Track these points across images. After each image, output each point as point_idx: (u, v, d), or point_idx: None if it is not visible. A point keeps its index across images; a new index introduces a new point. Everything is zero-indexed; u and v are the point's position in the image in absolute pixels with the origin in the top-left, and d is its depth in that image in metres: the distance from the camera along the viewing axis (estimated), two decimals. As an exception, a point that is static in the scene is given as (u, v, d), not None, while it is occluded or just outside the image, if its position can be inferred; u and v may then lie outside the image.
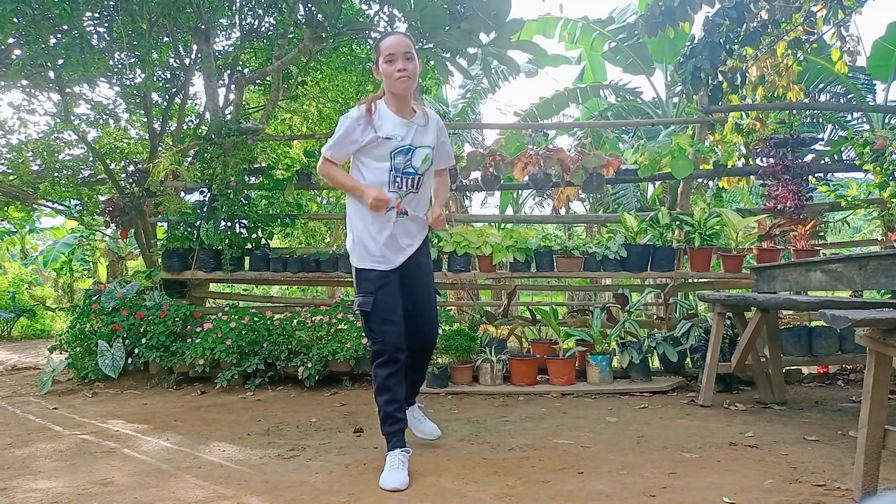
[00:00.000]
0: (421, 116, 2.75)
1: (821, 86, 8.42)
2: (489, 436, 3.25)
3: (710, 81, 5.50)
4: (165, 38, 6.66)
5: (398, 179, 2.67)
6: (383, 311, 2.66)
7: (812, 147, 5.52)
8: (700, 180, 6.89)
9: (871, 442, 2.18)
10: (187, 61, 6.87)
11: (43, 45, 5.29)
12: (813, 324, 4.89)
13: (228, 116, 6.36)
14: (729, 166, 5.45)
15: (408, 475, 2.51)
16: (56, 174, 6.83)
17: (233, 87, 6.97)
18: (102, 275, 12.72)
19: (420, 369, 3.02)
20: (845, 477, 2.44)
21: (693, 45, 5.55)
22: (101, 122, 6.99)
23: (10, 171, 6.87)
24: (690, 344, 4.63)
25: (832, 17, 5.21)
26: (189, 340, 4.96)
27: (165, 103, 7.18)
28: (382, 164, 2.66)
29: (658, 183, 8.71)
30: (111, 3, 5.72)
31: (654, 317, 5.96)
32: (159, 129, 7.00)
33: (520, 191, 12.28)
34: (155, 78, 6.89)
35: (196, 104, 8.17)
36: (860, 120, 8.55)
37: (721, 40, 5.35)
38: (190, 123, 7.69)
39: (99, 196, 7.26)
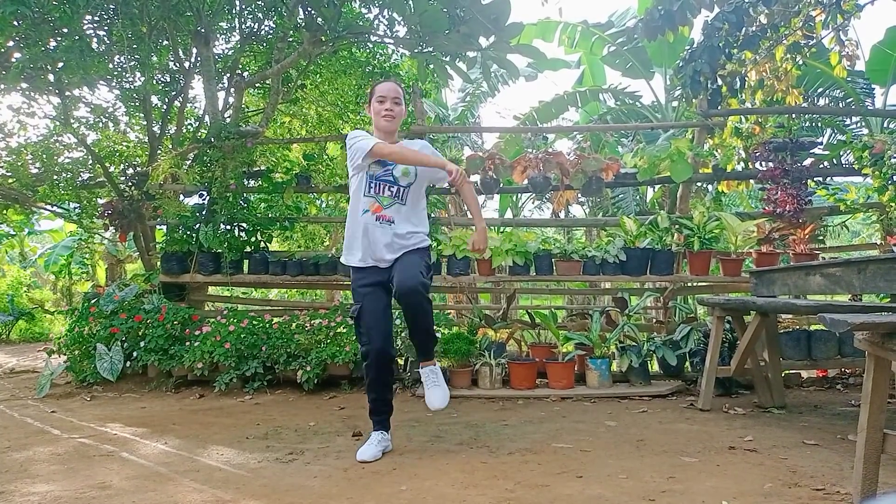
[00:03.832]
0: (405, 141, 3.17)
1: (820, 90, 8.43)
2: (488, 439, 3.24)
3: (709, 85, 5.51)
4: (165, 42, 6.66)
5: (373, 185, 2.98)
6: (368, 318, 2.96)
7: (811, 151, 5.53)
8: (699, 184, 6.89)
9: (870, 446, 2.17)
10: (187, 65, 6.87)
11: (43, 48, 5.29)
12: (812, 328, 4.89)
13: (228, 120, 6.37)
14: (728, 170, 5.45)
15: (381, 452, 2.94)
16: (55, 177, 6.82)
17: (232, 90, 6.98)
18: (101, 278, 12.72)
19: (417, 329, 3.02)
20: (844, 481, 2.44)
21: (692, 49, 5.56)
22: (100, 125, 6.99)
23: (9, 173, 6.85)
24: (690, 348, 4.63)
25: (831, 22, 5.21)
26: (188, 344, 4.95)
27: (165, 106, 7.18)
28: (361, 173, 3.01)
29: (657, 187, 8.73)
30: (111, 6, 5.72)
31: (654, 320, 5.95)
32: (158, 132, 7.00)
33: (519, 194, 12.31)
34: (154, 81, 6.88)
35: (195, 107, 8.18)
36: (859, 124, 8.56)
37: (720, 44, 5.36)
38: (189, 126, 7.68)
39: (98, 199, 7.25)
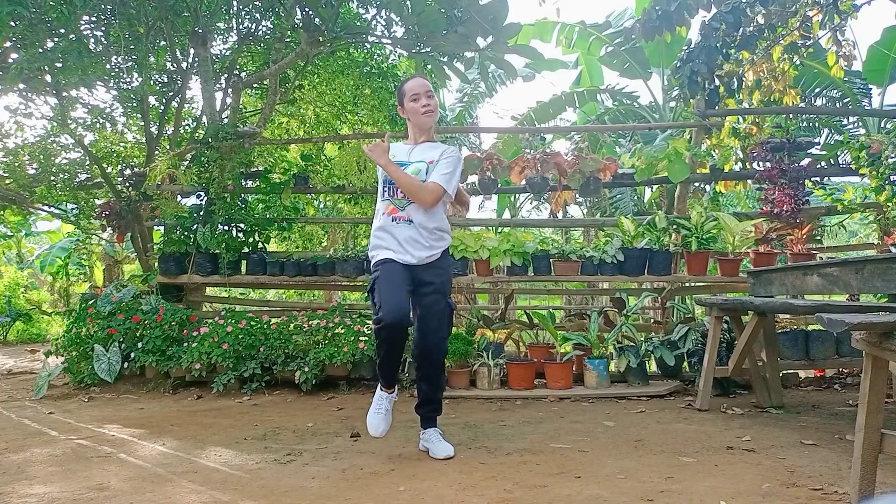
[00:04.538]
0: (432, 143, 3.07)
1: (817, 90, 8.44)
2: (487, 440, 3.24)
3: (706, 85, 5.51)
4: (163, 42, 6.65)
5: (387, 189, 3.02)
6: (382, 284, 2.88)
7: (808, 151, 5.53)
8: (697, 184, 6.89)
9: (867, 446, 2.18)
10: (184, 65, 6.86)
11: (40, 49, 5.28)
12: (810, 328, 4.90)
13: (225, 120, 6.36)
14: (726, 170, 5.46)
15: (388, 424, 2.98)
16: (52, 178, 6.81)
17: (230, 90, 6.97)
18: (99, 279, 12.68)
19: (427, 379, 3.02)
20: (842, 481, 2.44)
21: (690, 49, 5.56)
22: (98, 125, 6.98)
23: (6, 174, 6.84)
24: (688, 348, 4.63)
25: (828, 22, 5.23)
26: (185, 345, 4.95)
27: (162, 107, 7.17)
28: (381, 181, 3.06)
29: (655, 187, 8.73)
30: (108, 6, 5.71)
31: (652, 321, 5.96)
32: (156, 132, 6.99)
33: (517, 195, 12.31)
34: (152, 82, 6.87)
35: (193, 108, 8.16)
36: (856, 124, 8.57)
37: (718, 44, 5.36)
38: (187, 127, 7.68)
39: (95, 200, 7.23)
